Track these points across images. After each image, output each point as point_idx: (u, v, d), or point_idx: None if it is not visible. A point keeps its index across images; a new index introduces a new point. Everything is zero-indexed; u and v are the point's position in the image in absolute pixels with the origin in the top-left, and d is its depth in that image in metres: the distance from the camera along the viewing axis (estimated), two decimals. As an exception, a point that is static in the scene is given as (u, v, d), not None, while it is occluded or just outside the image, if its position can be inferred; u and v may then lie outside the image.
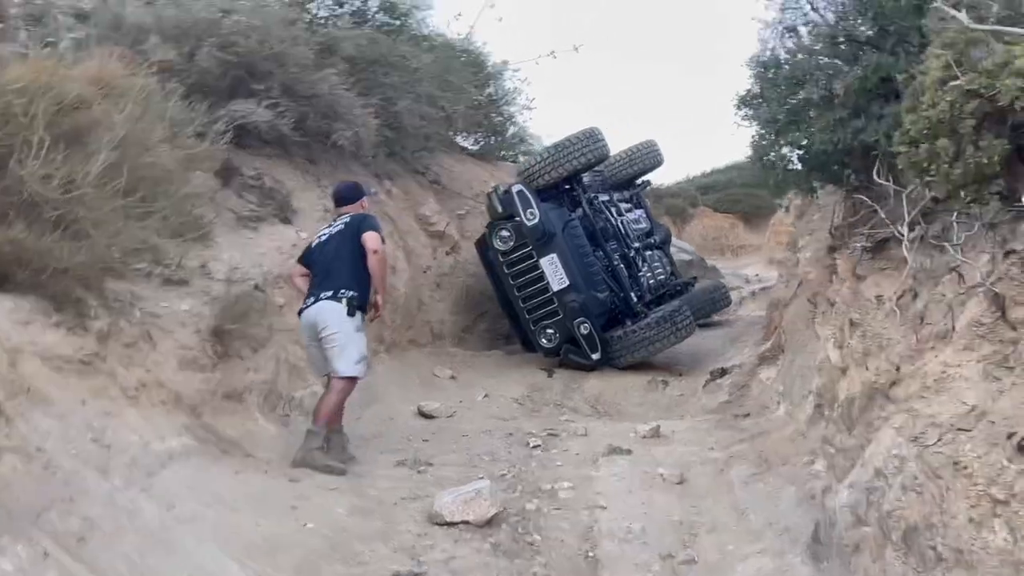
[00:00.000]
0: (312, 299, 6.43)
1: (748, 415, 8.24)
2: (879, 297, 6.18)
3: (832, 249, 8.27)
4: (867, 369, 5.87)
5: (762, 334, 10.85)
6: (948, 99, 4.63)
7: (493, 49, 39.77)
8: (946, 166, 4.80)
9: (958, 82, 4.61)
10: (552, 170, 10.66)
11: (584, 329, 10.28)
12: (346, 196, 6.94)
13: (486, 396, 9.18)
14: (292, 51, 9.36)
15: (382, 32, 11.71)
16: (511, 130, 16.99)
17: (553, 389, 9.87)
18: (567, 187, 11.29)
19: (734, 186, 31.55)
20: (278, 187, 9.20)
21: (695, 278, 13.73)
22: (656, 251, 12.68)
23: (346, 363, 6.25)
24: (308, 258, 6.74)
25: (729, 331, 12.51)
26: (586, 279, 10.51)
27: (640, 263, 11.76)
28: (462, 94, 12.99)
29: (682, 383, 10.10)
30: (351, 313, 6.29)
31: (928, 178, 4.96)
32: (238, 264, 7.23)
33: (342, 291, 6.30)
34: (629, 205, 12.91)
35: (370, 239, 6.38)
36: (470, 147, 16.11)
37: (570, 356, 10.50)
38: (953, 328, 4.83)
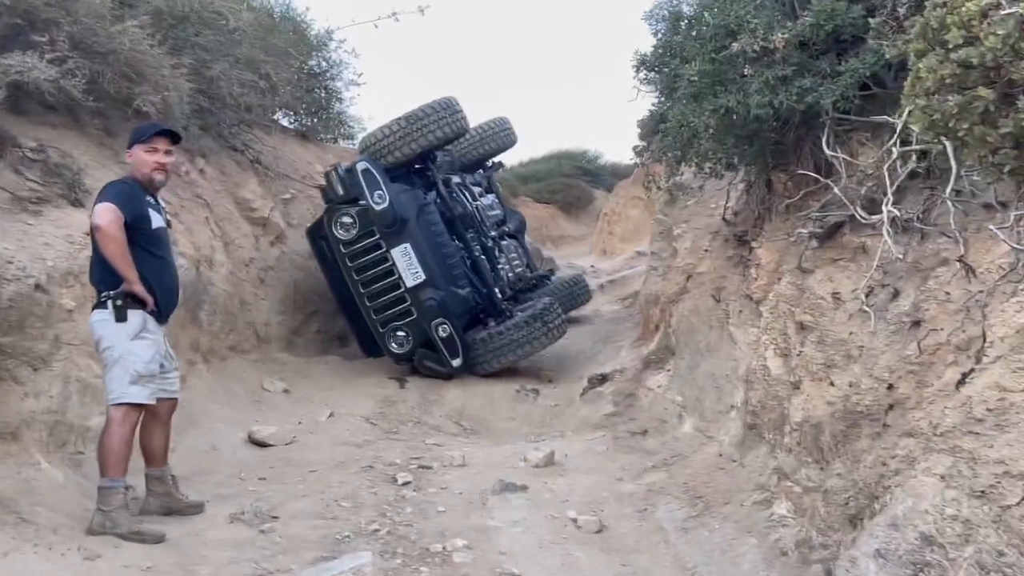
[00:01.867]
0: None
1: (646, 432, 7.05)
2: (836, 295, 5.06)
3: (740, 238, 7.21)
4: (833, 385, 4.75)
5: (637, 333, 9.72)
6: (1000, 32, 3.44)
7: (318, 16, 37.09)
8: (980, 126, 3.63)
9: (1015, 10, 3.44)
10: (404, 145, 9.10)
11: (443, 331, 8.83)
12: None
13: (331, 415, 7.59)
14: (84, -3, 7.55)
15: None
16: (336, 108, 15.21)
17: (408, 402, 8.38)
18: (418, 166, 9.78)
19: (554, 176, 31.03)
20: (67, 162, 7.38)
21: (552, 270, 12.51)
22: (511, 240, 11.35)
23: (117, 386, 4.74)
24: None
25: (594, 329, 11.32)
26: (445, 273, 9.06)
27: (498, 255, 10.40)
28: (287, 60, 11.26)
29: (555, 391, 8.83)
30: (121, 317, 4.77)
31: (955, 140, 3.81)
32: (13, 257, 5.44)
33: (104, 293, 4.84)
34: (480, 189, 11.52)
35: (94, 214, 4.76)
36: (288, 125, 14.32)
37: (426, 363, 9.03)
38: (984, 338, 3.70)
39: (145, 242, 4.86)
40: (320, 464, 6.31)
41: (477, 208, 10.47)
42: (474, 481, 5.89)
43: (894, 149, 4.79)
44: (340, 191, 8.95)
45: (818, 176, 5.52)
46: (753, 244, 6.60)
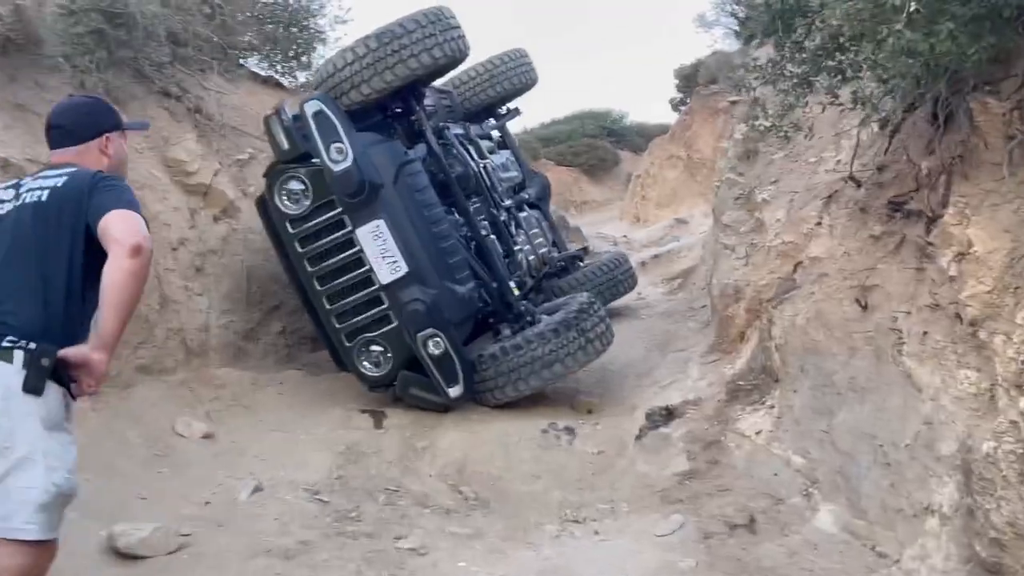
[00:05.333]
0: None
1: (754, 523, 4.38)
2: None
3: (897, 206, 4.51)
4: None
5: (708, 338, 7.01)
6: None
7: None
8: None
9: None
10: (374, 76, 6.28)
11: (435, 347, 6.10)
12: (68, 127, 3.29)
13: (257, 489, 4.95)
14: None
15: None
16: (319, 51, 12.48)
17: (384, 454, 5.72)
18: (398, 108, 7.00)
19: (576, 137, 29.10)
20: None
21: (585, 248, 9.76)
22: (532, 211, 8.62)
23: (22, 510, 2.81)
24: None
25: (644, 328, 8.49)
26: (436, 262, 6.28)
27: (514, 231, 7.68)
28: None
29: (598, 430, 6.12)
30: (35, 386, 2.83)
31: None
32: None
33: (12, 338, 2.88)
34: (491, 144, 8.76)
35: (123, 224, 2.91)
36: (260, 72, 11.64)
37: (412, 391, 6.31)
38: None
39: None
40: (211, 607, 3.69)
41: (485, 168, 7.72)
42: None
43: None
44: (285, 144, 6.25)
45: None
46: (946, 217, 3.87)
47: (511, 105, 9.43)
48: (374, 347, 6.31)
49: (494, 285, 6.77)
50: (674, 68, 21.90)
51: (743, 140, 7.74)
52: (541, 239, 8.32)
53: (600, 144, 28.38)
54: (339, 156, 6.01)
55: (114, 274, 2.82)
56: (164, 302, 6.85)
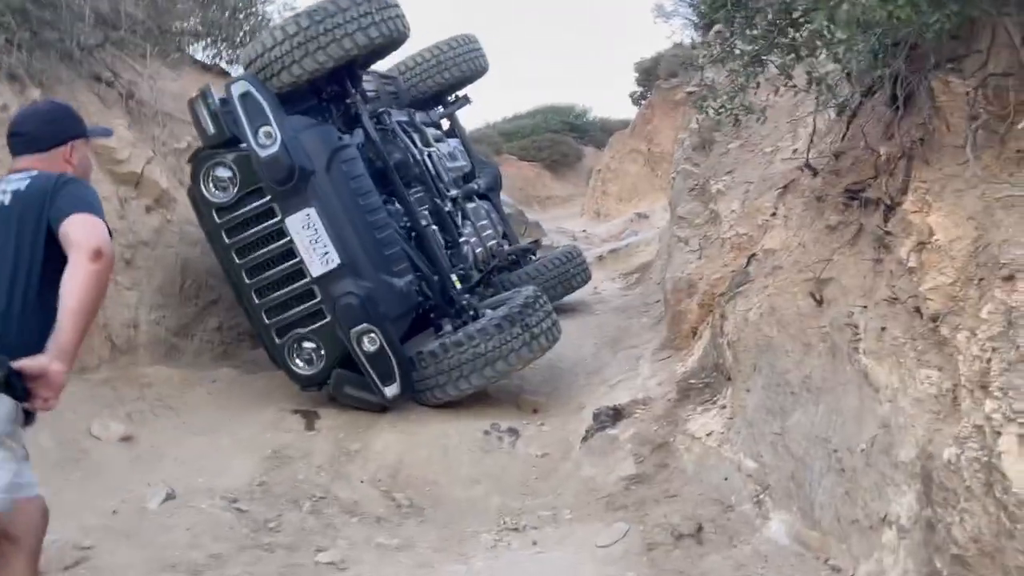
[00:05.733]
0: None
1: (701, 531, 4.09)
2: None
3: (854, 195, 4.24)
4: None
5: (660, 335, 6.73)
6: None
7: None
8: None
9: None
10: (306, 57, 5.90)
11: (371, 343, 5.77)
12: (32, 134, 3.14)
13: (170, 497, 4.59)
14: None
15: None
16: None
17: (312, 458, 5.38)
18: (334, 91, 6.64)
19: (540, 132, 28.85)
20: None
21: (537, 241, 9.44)
22: (482, 202, 8.28)
23: None
24: None
25: (596, 324, 8.18)
26: (372, 254, 5.96)
27: (460, 222, 7.34)
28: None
29: (543, 431, 5.83)
30: None
31: None
32: None
33: None
34: (439, 132, 8.41)
35: (83, 228, 2.77)
36: (207, 61, 11.21)
37: (346, 390, 5.98)
38: None
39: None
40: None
41: (429, 156, 7.37)
42: None
43: None
44: (211, 128, 5.89)
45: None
46: (905, 204, 3.60)
47: (460, 93, 9.09)
48: (306, 343, 5.98)
49: (435, 278, 6.44)
50: (634, 62, 21.71)
51: (698, 130, 7.47)
52: (490, 231, 8.00)
53: (563, 139, 28.16)
54: (267, 140, 5.66)
55: (74, 279, 2.68)
56: (88, 296, 6.43)
